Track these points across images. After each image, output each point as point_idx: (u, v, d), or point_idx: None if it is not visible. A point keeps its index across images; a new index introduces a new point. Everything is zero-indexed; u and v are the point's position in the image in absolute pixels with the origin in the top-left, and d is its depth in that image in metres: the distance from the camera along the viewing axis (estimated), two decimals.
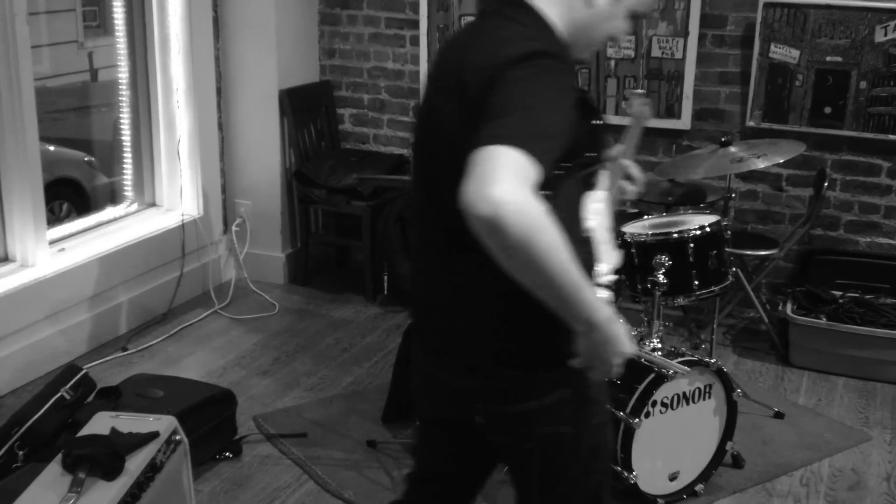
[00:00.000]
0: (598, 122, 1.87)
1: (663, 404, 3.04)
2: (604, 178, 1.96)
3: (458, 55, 1.75)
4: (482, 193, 1.42)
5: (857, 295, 4.25)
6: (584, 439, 1.84)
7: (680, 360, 3.06)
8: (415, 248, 1.94)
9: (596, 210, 1.86)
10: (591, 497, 1.93)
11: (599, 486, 1.93)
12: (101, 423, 2.50)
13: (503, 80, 1.58)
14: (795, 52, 4.31)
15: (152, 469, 2.39)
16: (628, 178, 2.07)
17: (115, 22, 4.62)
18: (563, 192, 1.70)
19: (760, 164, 3.61)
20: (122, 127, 4.77)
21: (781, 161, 3.71)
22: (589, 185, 1.85)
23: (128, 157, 4.80)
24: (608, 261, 1.86)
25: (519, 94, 1.56)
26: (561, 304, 1.55)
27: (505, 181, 1.42)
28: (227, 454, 3.42)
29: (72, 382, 3.09)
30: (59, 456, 2.31)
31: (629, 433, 2.97)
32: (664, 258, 3.13)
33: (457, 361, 1.84)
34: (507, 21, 1.73)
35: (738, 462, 3.37)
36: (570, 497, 1.90)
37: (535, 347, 1.74)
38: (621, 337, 1.63)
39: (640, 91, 2.39)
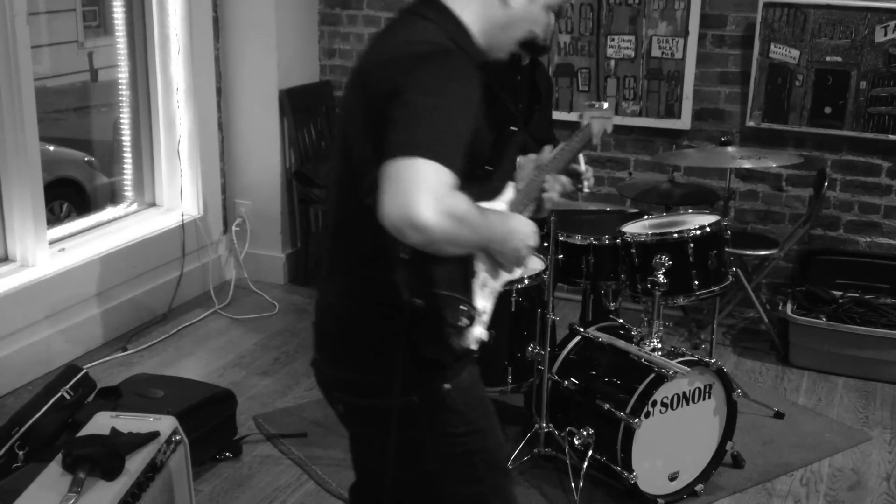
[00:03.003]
0: (510, 130, 1.90)
1: (663, 404, 3.04)
2: (508, 190, 1.95)
3: (368, 53, 1.79)
4: (405, 215, 1.48)
5: (857, 295, 4.26)
6: (446, 446, 1.84)
7: (680, 360, 3.06)
8: (323, 236, 2.00)
9: None
10: None
11: (484, 496, 1.91)
12: (101, 423, 2.50)
13: (406, 83, 1.60)
14: (795, 52, 4.31)
15: (152, 469, 2.39)
16: (545, 191, 2.06)
17: (115, 22, 4.62)
18: None
19: (760, 164, 3.61)
20: (122, 127, 4.77)
21: (775, 166, 3.70)
22: (482, 198, 1.82)
23: (128, 157, 4.80)
24: (481, 298, 1.84)
25: (424, 99, 1.59)
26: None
27: (424, 201, 1.48)
28: (227, 454, 3.42)
29: (72, 382, 3.09)
30: (59, 456, 2.31)
31: (629, 433, 2.97)
32: (664, 258, 3.13)
33: (325, 347, 1.91)
34: (418, 18, 1.76)
35: (738, 462, 3.37)
36: None
37: (394, 353, 1.75)
38: (520, 233, 1.79)
39: (603, 105, 2.35)
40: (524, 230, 1.81)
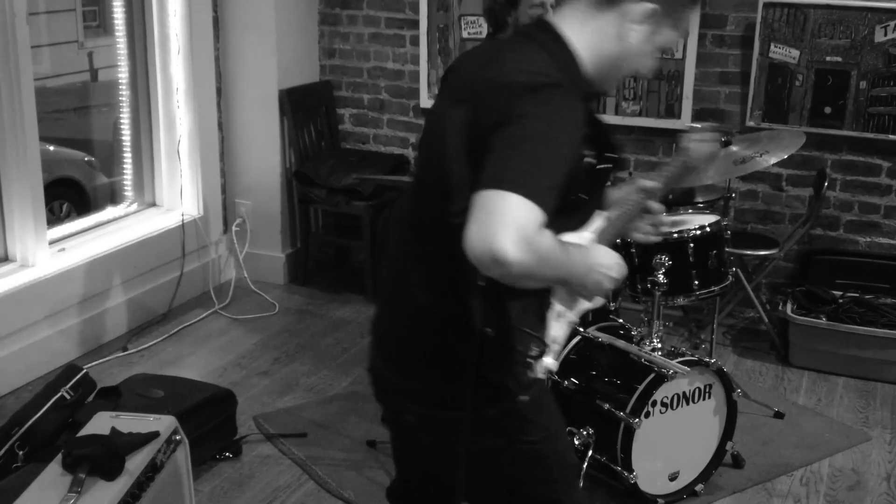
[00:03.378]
0: (606, 160, 1.87)
1: (663, 404, 3.04)
2: (596, 219, 1.93)
3: (477, 68, 1.76)
4: (489, 249, 1.47)
5: (857, 295, 4.25)
6: (521, 452, 1.86)
7: (680, 360, 3.06)
8: (392, 241, 1.98)
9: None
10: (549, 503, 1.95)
11: (556, 493, 1.94)
12: (101, 423, 2.50)
13: (512, 114, 1.59)
14: (795, 52, 4.31)
15: (152, 469, 2.39)
16: (647, 213, 2.03)
17: (115, 22, 4.62)
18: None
19: (763, 164, 3.59)
20: (122, 127, 4.77)
21: (785, 156, 3.67)
22: (569, 226, 1.82)
23: (128, 157, 4.80)
24: (554, 333, 1.85)
25: (526, 133, 1.57)
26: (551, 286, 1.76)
27: (508, 235, 1.47)
28: (227, 454, 3.42)
29: (72, 382, 3.09)
30: (59, 456, 2.31)
31: (629, 433, 2.97)
32: (664, 258, 3.13)
33: (393, 356, 1.89)
34: (531, 43, 1.73)
35: (738, 462, 3.37)
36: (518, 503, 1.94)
37: (468, 369, 1.74)
38: (603, 267, 1.77)
39: (705, 126, 2.22)
40: (607, 263, 1.79)
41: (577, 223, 1.85)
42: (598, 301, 1.87)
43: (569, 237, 1.78)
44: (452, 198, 1.67)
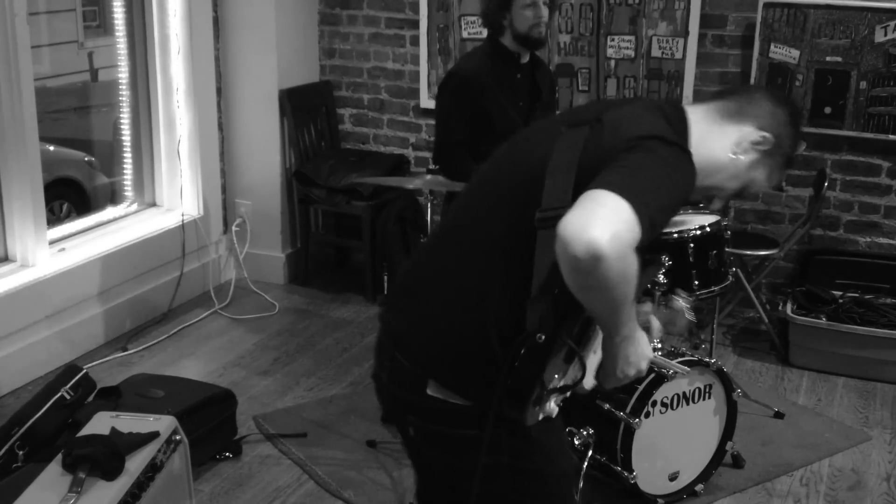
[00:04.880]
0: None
1: (663, 404, 3.04)
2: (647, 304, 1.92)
3: (612, 105, 1.80)
4: (584, 235, 1.45)
5: (857, 295, 4.25)
6: (521, 470, 1.82)
7: (680, 360, 3.06)
8: (429, 239, 1.95)
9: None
10: None
11: None
12: (101, 423, 2.50)
13: (641, 145, 1.63)
14: (795, 52, 4.31)
15: (152, 469, 2.39)
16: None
17: (115, 22, 4.62)
18: None
19: None
20: (122, 127, 4.77)
21: None
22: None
23: (128, 157, 4.80)
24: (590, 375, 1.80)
25: (649, 162, 1.61)
26: (602, 322, 1.68)
27: (608, 230, 1.45)
28: (227, 454, 3.42)
29: (72, 382, 3.09)
30: (59, 456, 2.31)
31: (629, 433, 2.97)
32: (664, 258, 3.13)
33: (403, 370, 1.82)
34: (661, 113, 1.77)
35: (738, 462, 3.37)
36: None
37: (485, 384, 1.69)
38: (640, 353, 1.73)
39: (683, 302, 2.24)
40: (646, 348, 1.76)
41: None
42: (591, 383, 1.79)
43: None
44: (535, 203, 1.65)
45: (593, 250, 1.44)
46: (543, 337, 1.61)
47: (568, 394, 1.76)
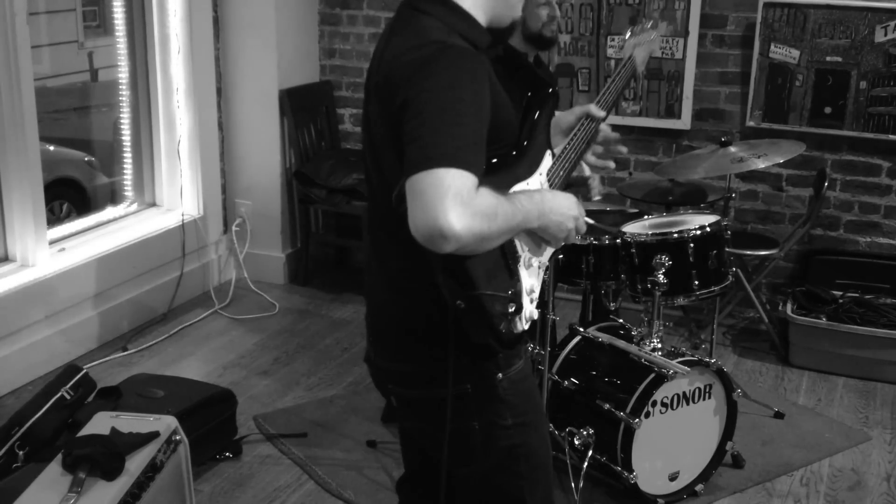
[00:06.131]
0: (543, 94, 1.90)
1: (663, 404, 3.04)
2: (545, 159, 1.93)
3: (378, 60, 1.80)
4: (429, 231, 1.52)
5: (857, 295, 4.26)
6: (493, 437, 1.86)
7: (680, 360, 3.06)
8: (365, 235, 2.02)
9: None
10: (512, 501, 1.93)
11: (520, 490, 1.93)
12: (101, 423, 2.50)
13: (409, 95, 1.62)
14: (795, 52, 4.31)
15: (152, 469, 2.39)
16: (597, 137, 2.10)
17: (115, 22, 4.62)
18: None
19: (761, 164, 3.62)
20: (122, 127, 4.77)
21: (781, 161, 3.71)
22: (517, 174, 1.83)
23: (128, 157, 4.80)
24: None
25: (430, 107, 1.60)
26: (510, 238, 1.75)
27: (450, 210, 1.51)
28: (227, 454, 3.42)
29: (72, 382, 3.09)
30: (59, 456, 2.31)
31: (629, 433, 2.97)
32: (664, 258, 3.13)
33: (378, 341, 1.94)
34: (418, 14, 1.76)
35: (738, 462, 3.37)
36: (483, 496, 1.95)
37: (445, 343, 1.77)
38: (561, 210, 1.79)
39: (646, 26, 2.29)
40: (563, 204, 1.81)
41: (523, 173, 1.85)
42: (564, 241, 1.87)
43: (517, 187, 1.80)
44: (389, 188, 1.70)
45: (450, 233, 1.51)
46: (461, 302, 1.68)
47: (533, 296, 1.84)
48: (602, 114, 2.11)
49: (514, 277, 1.78)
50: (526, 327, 1.81)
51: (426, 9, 1.75)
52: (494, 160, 1.75)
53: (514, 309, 1.75)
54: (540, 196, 1.78)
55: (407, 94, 1.62)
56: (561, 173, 1.97)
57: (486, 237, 1.58)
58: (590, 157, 2.15)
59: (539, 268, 1.88)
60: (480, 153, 1.61)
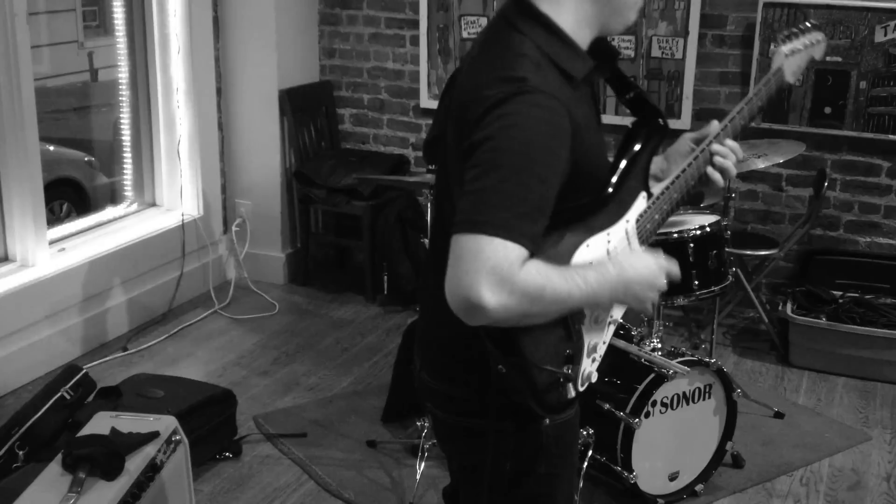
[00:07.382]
0: (652, 126, 1.70)
1: (663, 404, 3.04)
2: (638, 202, 1.71)
3: (465, 68, 1.67)
4: (465, 299, 1.42)
5: (857, 295, 4.26)
6: (522, 483, 1.75)
7: (680, 360, 3.06)
8: (430, 237, 1.93)
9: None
10: None
11: None
12: (101, 423, 2.50)
13: (479, 137, 1.49)
14: None
15: (152, 469, 2.39)
16: (713, 166, 1.80)
17: (115, 22, 4.62)
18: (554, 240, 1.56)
19: (761, 164, 3.61)
20: (122, 127, 4.77)
21: (781, 161, 3.70)
22: (593, 226, 1.63)
23: (128, 157, 4.80)
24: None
25: (493, 158, 1.47)
26: (566, 313, 1.58)
27: (484, 284, 1.40)
28: (227, 454, 3.42)
29: (72, 382, 3.09)
30: (59, 456, 2.31)
31: (629, 433, 2.97)
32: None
33: (424, 355, 1.83)
34: (508, 34, 1.60)
35: (738, 462, 3.37)
36: None
37: (485, 372, 1.65)
38: (640, 282, 1.59)
39: (803, 34, 1.89)
40: (643, 275, 1.59)
41: (604, 219, 1.66)
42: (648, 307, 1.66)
43: (585, 245, 1.60)
44: (453, 213, 1.58)
45: (480, 308, 1.41)
46: (503, 367, 1.58)
47: (595, 356, 1.69)
48: (726, 149, 1.80)
49: (574, 339, 1.63)
50: (581, 389, 1.68)
51: (522, 28, 1.58)
52: (569, 211, 1.57)
53: (565, 378, 1.61)
54: (616, 271, 1.56)
55: (476, 136, 1.49)
56: (657, 217, 1.72)
57: (528, 315, 1.46)
58: (714, 177, 1.84)
59: (610, 323, 1.73)
60: (539, 221, 1.47)
